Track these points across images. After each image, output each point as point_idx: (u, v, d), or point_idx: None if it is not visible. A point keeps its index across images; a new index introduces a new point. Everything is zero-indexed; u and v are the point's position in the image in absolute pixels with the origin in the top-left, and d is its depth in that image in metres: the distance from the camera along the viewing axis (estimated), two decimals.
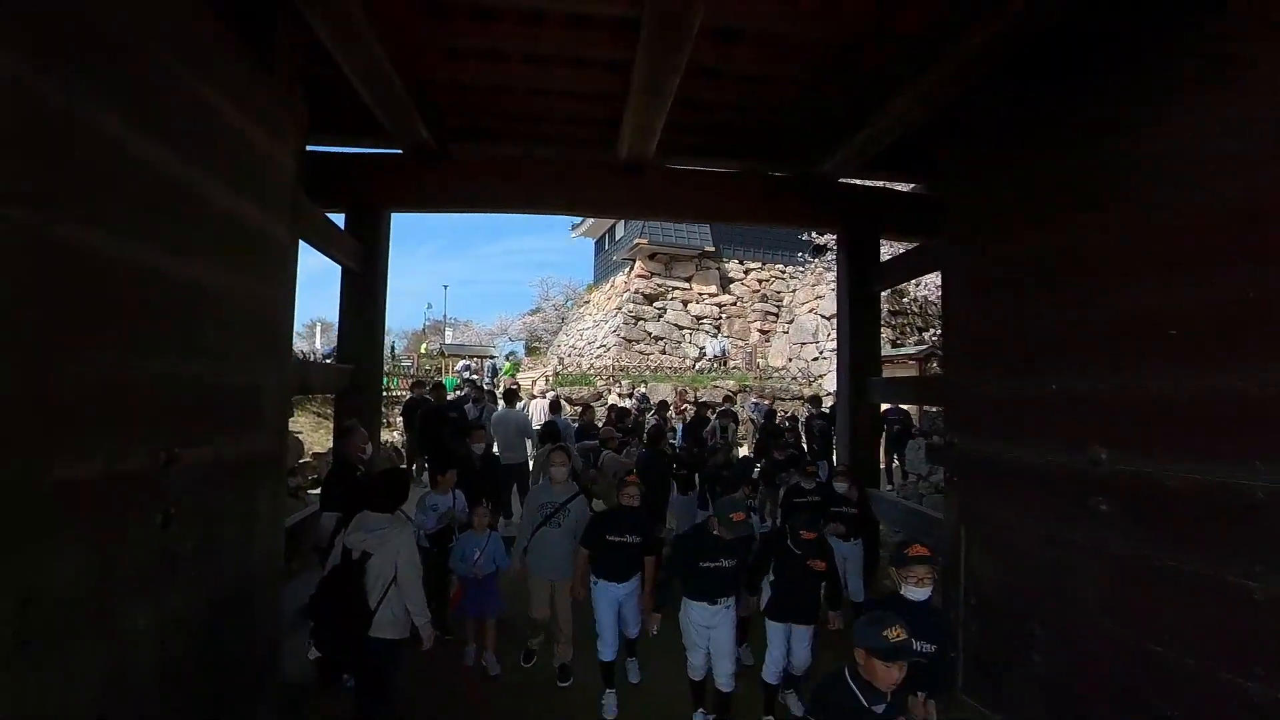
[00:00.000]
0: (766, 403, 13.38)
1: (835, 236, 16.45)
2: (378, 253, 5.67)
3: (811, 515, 3.92)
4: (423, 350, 30.41)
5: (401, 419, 10.33)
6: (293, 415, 8.12)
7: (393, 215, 6.05)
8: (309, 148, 4.40)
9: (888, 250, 7.42)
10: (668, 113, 4.62)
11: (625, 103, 4.63)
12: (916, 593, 2.82)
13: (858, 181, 6.45)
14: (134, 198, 2.08)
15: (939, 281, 12.66)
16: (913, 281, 12.81)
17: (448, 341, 35.16)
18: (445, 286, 73.93)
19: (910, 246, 6.52)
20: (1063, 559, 3.13)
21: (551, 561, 4.15)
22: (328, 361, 10.46)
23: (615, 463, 6.73)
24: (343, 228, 5.47)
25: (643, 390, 15.93)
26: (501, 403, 11.95)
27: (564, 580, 4.13)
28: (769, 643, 3.69)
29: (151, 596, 2.25)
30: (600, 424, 9.00)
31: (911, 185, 6.95)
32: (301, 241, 3.91)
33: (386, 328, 6.33)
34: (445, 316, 39.45)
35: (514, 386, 10.63)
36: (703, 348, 21.29)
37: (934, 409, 7.87)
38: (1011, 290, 3.48)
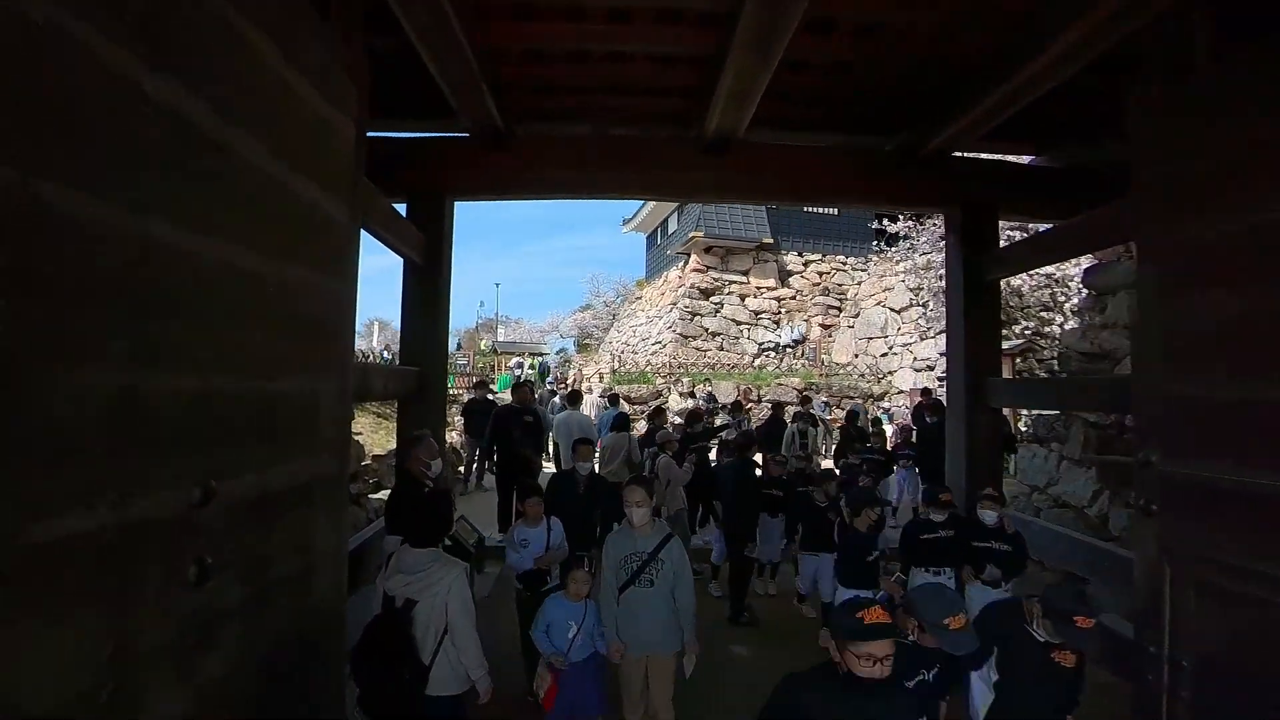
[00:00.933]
0: (861, 402, 12.51)
1: (909, 221, 15.56)
2: (442, 244, 5.23)
3: (1080, 591, 2.84)
4: (481, 348, 30.57)
5: (462, 420, 10.00)
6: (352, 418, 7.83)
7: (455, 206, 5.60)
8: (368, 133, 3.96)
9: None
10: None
11: (721, 66, 4.02)
12: None
13: (975, 155, 5.66)
14: (145, 151, 1.58)
15: (1032, 269, 11.60)
16: None
17: (500, 339, 35.38)
18: (497, 284, 75.07)
19: (1034, 228, 5.67)
20: None
21: (646, 631, 3.15)
22: (385, 361, 10.19)
23: (670, 469, 6.17)
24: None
25: (708, 389, 15.27)
26: (556, 400, 11.57)
27: (663, 656, 3.19)
28: None
29: (184, 671, 1.76)
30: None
31: (1031, 159, 6.07)
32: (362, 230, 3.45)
33: None
34: (497, 314, 39.79)
35: (577, 388, 10.28)
36: (763, 342, 20.53)
37: (1052, 413, 6.96)
38: (1255, 266, 2.69)
